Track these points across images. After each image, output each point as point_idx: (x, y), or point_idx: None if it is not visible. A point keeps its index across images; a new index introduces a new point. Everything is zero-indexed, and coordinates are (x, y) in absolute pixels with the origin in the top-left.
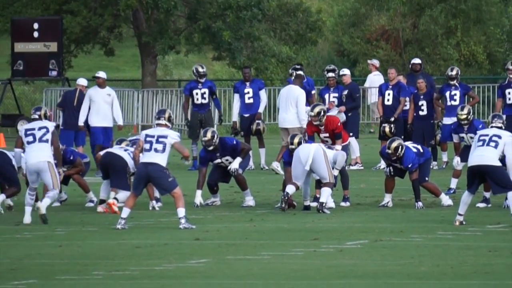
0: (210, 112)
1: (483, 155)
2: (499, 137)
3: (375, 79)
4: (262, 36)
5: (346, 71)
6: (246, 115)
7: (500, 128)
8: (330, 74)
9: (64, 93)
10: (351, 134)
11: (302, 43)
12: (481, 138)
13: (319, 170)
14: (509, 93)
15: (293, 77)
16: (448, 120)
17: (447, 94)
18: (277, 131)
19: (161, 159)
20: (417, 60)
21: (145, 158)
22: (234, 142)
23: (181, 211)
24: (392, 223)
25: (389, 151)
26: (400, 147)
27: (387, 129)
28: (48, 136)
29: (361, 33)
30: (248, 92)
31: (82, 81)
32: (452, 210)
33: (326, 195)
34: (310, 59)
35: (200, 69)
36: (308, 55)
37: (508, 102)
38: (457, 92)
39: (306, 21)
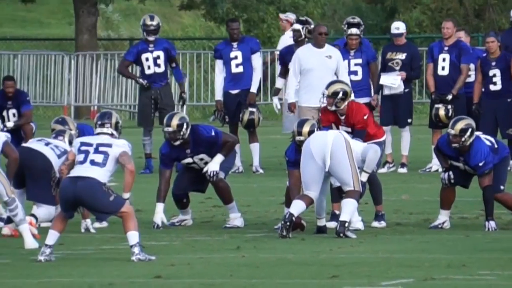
0: (169, 87)
1: None
2: None
3: (290, 41)
4: None
5: (400, 26)
6: (234, 92)
7: None
8: (353, 30)
9: None
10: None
11: None
12: None
13: (339, 170)
14: None
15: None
16: None
17: None
18: (276, 116)
19: (99, 174)
20: None
21: (74, 172)
22: (212, 133)
23: (133, 236)
24: (450, 253)
25: (453, 133)
26: (470, 130)
27: (441, 112)
28: None
29: None
30: (236, 57)
31: None
32: None
33: (350, 211)
34: (327, 7)
35: (149, 21)
36: (324, 1)
37: None
38: None
39: None
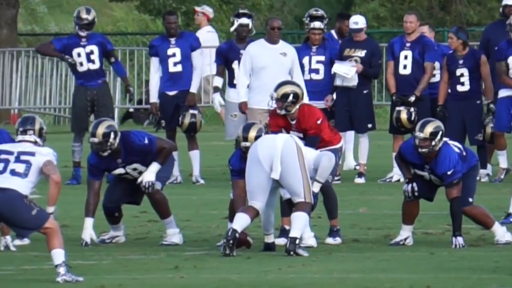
0: (106, 86)
1: None
2: None
3: (207, 37)
4: None
5: (360, 21)
6: (171, 93)
7: None
8: (316, 24)
9: None
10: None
11: None
12: None
13: (289, 179)
14: None
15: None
16: (506, 92)
17: (511, 60)
18: (218, 120)
19: (20, 185)
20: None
21: None
22: (145, 141)
23: (59, 255)
24: (413, 272)
25: (422, 136)
26: (440, 133)
27: (403, 116)
28: None
29: None
30: (174, 54)
31: None
32: None
33: (301, 226)
34: None
35: (84, 15)
36: None
37: None
38: None
39: None
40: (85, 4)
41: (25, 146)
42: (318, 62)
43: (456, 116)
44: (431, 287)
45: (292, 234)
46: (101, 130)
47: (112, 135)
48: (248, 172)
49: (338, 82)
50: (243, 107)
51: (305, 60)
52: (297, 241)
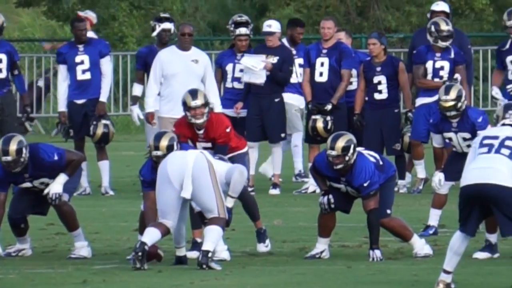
0: (11, 95)
1: (488, 169)
2: None
3: None
4: None
5: (273, 24)
6: (79, 102)
7: None
8: (242, 30)
9: None
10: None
11: None
12: (486, 141)
13: (201, 196)
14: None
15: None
16: (423, 100)
17: (430, 64)
18: (128, 129)
19: None
20: (441, 6)
21: None
22: (55, 157)
23: None
24: (329, 286)
25: (334, 154)
26: (352, 146)
27: (319, 124)
28: None
29: None
30: (83, 62)
31: None
32: (433, 264)
33: (214, 239)
34: (187, 4)
35: None
36: None
37: (510, 77)
38: (445, 64)
39: None
40: None
41: None
42: (242, 70)
43: (373, 125)
44: None
45: (204, 247)
46: (13, 147)
47: (24, 151)
48: (158, 191)
49: (245, 78)
50: (149, 118)
51: (229, 67)
52: (209, 254)
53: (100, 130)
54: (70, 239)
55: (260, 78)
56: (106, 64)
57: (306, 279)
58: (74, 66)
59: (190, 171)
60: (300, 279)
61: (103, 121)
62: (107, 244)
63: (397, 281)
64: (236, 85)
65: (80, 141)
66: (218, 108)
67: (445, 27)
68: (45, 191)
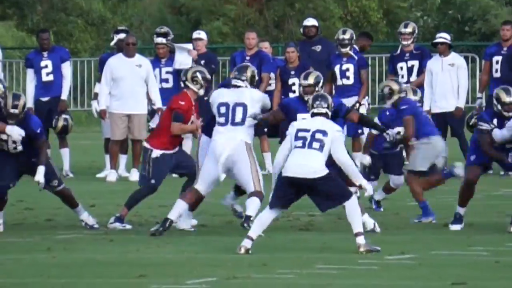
0: None
1: (304, 166)
2: (324, 133)
3: None
4: None
5: (202, 34)
6: (44, 99)
7: (326, 116)
8: (159, 40)
9: None
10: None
11: None
12: (300, 134)
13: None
14: (401, 68)
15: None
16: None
17: (337, 68)
18: (84, 123)
19: None
20: (311, 21)
21: None
22: (38, 131)
23: None
24: (252, 253)
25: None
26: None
27: None
28: None
29: None
30: (47, 66)
31: None
32: (342, 234)
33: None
34: (134, 18)
35: None
36: (131, 13)
37: (400, 80)
38: (351, 66)
39: None
40: None
41: None
42: (167, 72)
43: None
44: (267, 265)
45: (248, 213)
46: (22, 102)
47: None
48: (206, 161)
49: (176, 66)
50: (102, 114)
51: (156, 72)
52: (252, 218)
53: (61, 123)
54: (37, 214)
55: (187, 65)
56: (66, 68)
57: (233, 247)
58: (39, 70)
59: (223, 162)
60: (228, 247)
61: (64, 116)
62: (68, 218)
63: (308, 248)
64: (164, 85)
65: (45, 132)
66: (158, 103)
67: (341, 35)
68: (35, 179)
